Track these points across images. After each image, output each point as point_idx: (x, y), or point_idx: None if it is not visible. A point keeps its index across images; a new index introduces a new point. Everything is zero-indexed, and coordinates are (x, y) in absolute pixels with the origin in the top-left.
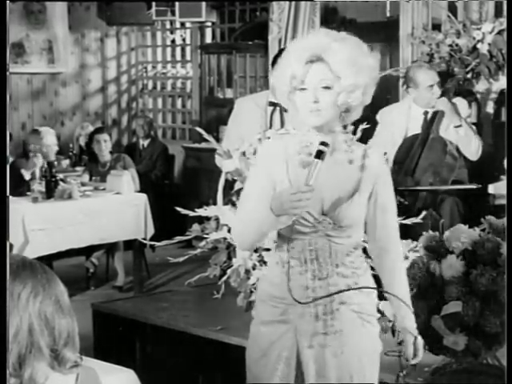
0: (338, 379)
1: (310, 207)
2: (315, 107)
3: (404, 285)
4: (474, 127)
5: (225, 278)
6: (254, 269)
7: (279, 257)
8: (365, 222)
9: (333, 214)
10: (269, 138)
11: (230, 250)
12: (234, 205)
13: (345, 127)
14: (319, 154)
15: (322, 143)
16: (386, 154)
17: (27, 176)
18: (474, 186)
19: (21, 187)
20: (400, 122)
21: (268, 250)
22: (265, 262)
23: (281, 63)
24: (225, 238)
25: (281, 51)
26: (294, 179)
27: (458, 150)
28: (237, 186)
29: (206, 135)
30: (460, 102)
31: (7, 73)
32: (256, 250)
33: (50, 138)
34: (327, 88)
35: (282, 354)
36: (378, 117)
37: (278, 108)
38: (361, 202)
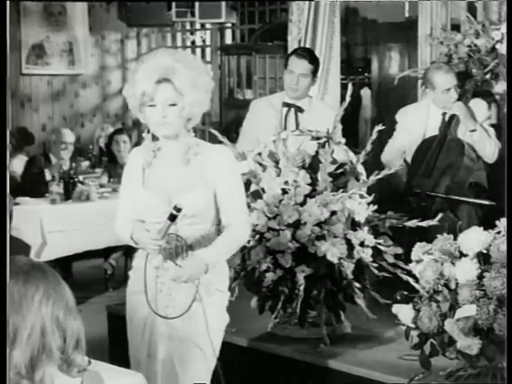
0: (183, 343)
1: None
2: (163, 121)
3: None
4: (491, 130)
5: (239, 280)
6: (267, 271)
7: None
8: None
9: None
10: (284, 139)
11: (244, 252)
12: (249, 207)
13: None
14: (173, 217)
15: (178, 209)
16: (404, 152)
17: (48, 176)
18: (486, 202)
19: (41, 186)
20: (418, 121)
21: (282, 252)
22: (279, 265)
23: (133, 79)
24: None
25: (294, 51)
26: (146, 179)
27: (476, 151)
28: (252, 187)
29: (220, 137)
30: (479, 103)
31: (14, 74)
32: (270, 253)
33: (68, 138)
34: (173, 105)
35: (148, 316)
36: (397, 116)
37: (292, 109)
38: (204, 193)
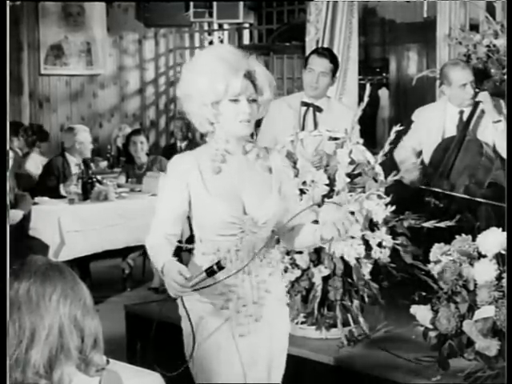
0: (266, 363)
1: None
2: (247, 118)
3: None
4: None
5: None
6: (285, 271)
7: (206, 259)
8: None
9: (254, 213)
10: (301, 139)
11: None
12: None
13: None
14: (212, 273)
15: (220, 267)
16: (421, 154)
17: (63, 192)
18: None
19: (53, 192)
20: (436, 120)
21: (300, 252)
22: (297, 265)
23: (209, 73)
24: None
25: (315, 50)
26: (210, 187)
27: (494, 151)
28: None
29: None
30: (498, 103)
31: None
32: (288, 253)
33: (83, 135)
34: (254, 101)
35: (220, 343)
36: (414, 116)
37: (310, 108)
38: (274, 199)
